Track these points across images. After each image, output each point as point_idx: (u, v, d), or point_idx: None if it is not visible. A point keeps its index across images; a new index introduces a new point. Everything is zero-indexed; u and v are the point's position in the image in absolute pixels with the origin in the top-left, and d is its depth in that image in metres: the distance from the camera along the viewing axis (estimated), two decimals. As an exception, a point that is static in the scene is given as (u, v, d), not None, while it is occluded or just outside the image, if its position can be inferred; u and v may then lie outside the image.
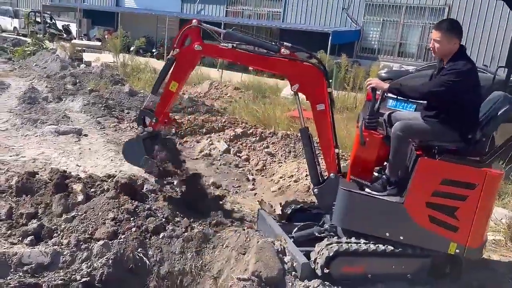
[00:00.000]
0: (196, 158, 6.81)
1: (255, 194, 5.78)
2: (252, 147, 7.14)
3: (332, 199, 3.78)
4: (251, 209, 4.99)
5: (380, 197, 3.61)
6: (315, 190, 3.90)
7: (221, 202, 4.78)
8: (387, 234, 3.57)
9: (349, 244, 3.56)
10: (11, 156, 5.63)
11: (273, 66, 4.01)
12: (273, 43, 3.92)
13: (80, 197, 4.02)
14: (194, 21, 3.95)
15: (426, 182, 3.50)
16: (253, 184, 6.11)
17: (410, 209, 3.53)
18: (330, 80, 3.95)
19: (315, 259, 3.56)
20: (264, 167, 6.61)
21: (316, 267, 3.53)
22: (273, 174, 6.34)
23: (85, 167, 5.45)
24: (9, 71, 12.88)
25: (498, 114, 3.60)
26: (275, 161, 6.76)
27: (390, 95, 4.25)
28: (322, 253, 3.50)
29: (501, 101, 3.67)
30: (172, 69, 3.98)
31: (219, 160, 6.73)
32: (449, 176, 3.48)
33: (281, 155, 6.91)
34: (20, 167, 5.23)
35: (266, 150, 7.03)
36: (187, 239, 3.68)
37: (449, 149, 3.56)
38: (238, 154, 6.96)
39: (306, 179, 5.81)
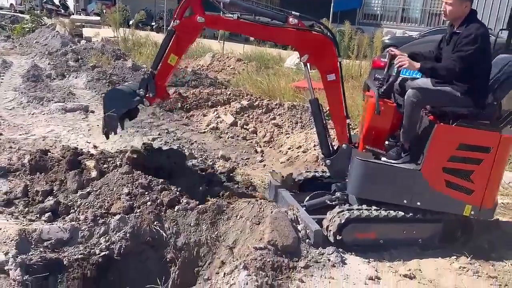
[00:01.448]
0: (204, 132, 6.84)
1: (264, 165, 5.83)
2: (259, 119, 7.15)
3: (345, 169, 3.81)
4: (261, 180, 5.04)
5: (397, 165, 3.66)
6: (328, 161, 3.92)
7: (231, 175, 4.83)
8: (405, 201, 3.65)
9: (360, 211, 3.63)
10: (20, 134, 5.66)
11: (282, 37, 3.90)
12: (281, 12, 3.80)
13: (93, 173, 4.07)
14: None
15: (443, 148, 3.57)
16: (261, 156, 6.15)
17: (427, 175, 3.60)
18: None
19: (327, 226, 3.64)
20: (272, 139, 6.65)
21: (328, 234, 3.61)
22: (281, 146, 6.38)
23: (95, 144, 5.48)
24: (10, 49, 12.79)
25: (510, 78, 3.61)
26: (282, 133, 6.78)
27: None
28: (334, 221, 3.58)
29: (511, 65, 3.66)
30: (171, 41, 3.79)
31: (227, 133, 6.76)
32: (466, 141, 3.55)
33: (288, 126, 6.93)
34: (31, 145, 5.26)
35: (273, 121, 7.04)
36: (202, 211, 3.74)
37: (460, 114, 3.59)
38: (245, 127, 6.98)
39: (315, 149, 5.85)
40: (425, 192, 3.62)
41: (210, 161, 5.49)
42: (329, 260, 3.39)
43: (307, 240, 3.53)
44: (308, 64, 3.80)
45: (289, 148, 6.16)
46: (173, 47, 3.80)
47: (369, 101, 3.81)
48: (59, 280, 3.21)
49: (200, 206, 3.79)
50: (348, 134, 3.88)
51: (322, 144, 3.96)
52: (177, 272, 3.53)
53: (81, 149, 4.65)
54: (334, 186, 4.18)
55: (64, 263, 3.25)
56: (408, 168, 3.64)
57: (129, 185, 3.86)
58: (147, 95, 3.89)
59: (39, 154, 4.41)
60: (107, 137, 4.16)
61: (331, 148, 3.96)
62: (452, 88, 3.54)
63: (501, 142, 3.49)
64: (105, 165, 4.29)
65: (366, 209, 3.66)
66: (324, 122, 3.93)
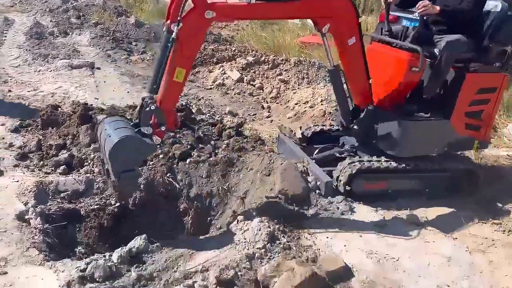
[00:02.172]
0: (210, 88, 6.83)
1: (271, 121, 5.86)
2: (265, 75, 7.12)
3: (371, 130, 3.82)
4: (269, 135, 5.09)
5: (433, 119, 3.77)
6: (355, 126, 3.82)
7: (240, 129, 4.87)
8: (436, 150, 3.88)
9: (371, 162, 3.69)
10: (29, 91, 5.68)
11: (307, 11, 3.24)
12: None
13: (105, 128, 4.11)
14: None
15: (467, 94, 3.75)
16: (268, 112, 6.17)
17: (454, 122, 3.80)
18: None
19: (338, 177, 3.72)
20: (279, 95, 6.64)
21: (338, 185, 3.69)
22: (288, 101, 6.39)
23: (103, 100, 5.51)
24: (10, 7, 12.54)
25: (505, 23, 3.67)
26: (289, 88, 6.77)
27: (400, 14, 4.30)
28: (345, 171, 3.64)
29: (500, 11, 3.71)
30: (171, 52, 2.78)
31: (233, 89, 6.75)
32: (483, 85, 3.77)
33: (295, 82, 6.90)
34: (40, 101, 5.30)
35: (279, 77, 7.00)
36: (213, 163, 3.81)
37: (466, 59, 3.71)
38: (251, 83, 6.95)
39: (321, 104, 5.87)
40: (451, 138, 3.84)
41: (218, 117, 5.52)
42: (338, 208, 3.49)
43: (316, 191, 3.62)
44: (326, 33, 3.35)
45: (296, 104, 6.17)
46: (177, 59, 2.83)
47: (401, 57, 3.67)
48: (77, 229, 3.33)
49: (211, 158, 3.87)
50: (370, 95, 3.74)
51: (344, 112, 3.82)
52: (190, 222, 3.64)
53: (91, 104, 4.68)
54: (343, 139, 4.23)
55: (81, 213, 3.36)
56: (440, 119, 3.78)
57: (141, 138, 3.91)
58: (158, 129, 2.95)
59: (50, 109, 4.45)
60: (120, 202, 3.31)
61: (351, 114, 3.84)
62: (462, 35, 3.61)
63: (503, 81, 3.80)
64: (116, 120, 4.32)
65: (376, 161, 3.72)
66: (346, 88, 3.75)
